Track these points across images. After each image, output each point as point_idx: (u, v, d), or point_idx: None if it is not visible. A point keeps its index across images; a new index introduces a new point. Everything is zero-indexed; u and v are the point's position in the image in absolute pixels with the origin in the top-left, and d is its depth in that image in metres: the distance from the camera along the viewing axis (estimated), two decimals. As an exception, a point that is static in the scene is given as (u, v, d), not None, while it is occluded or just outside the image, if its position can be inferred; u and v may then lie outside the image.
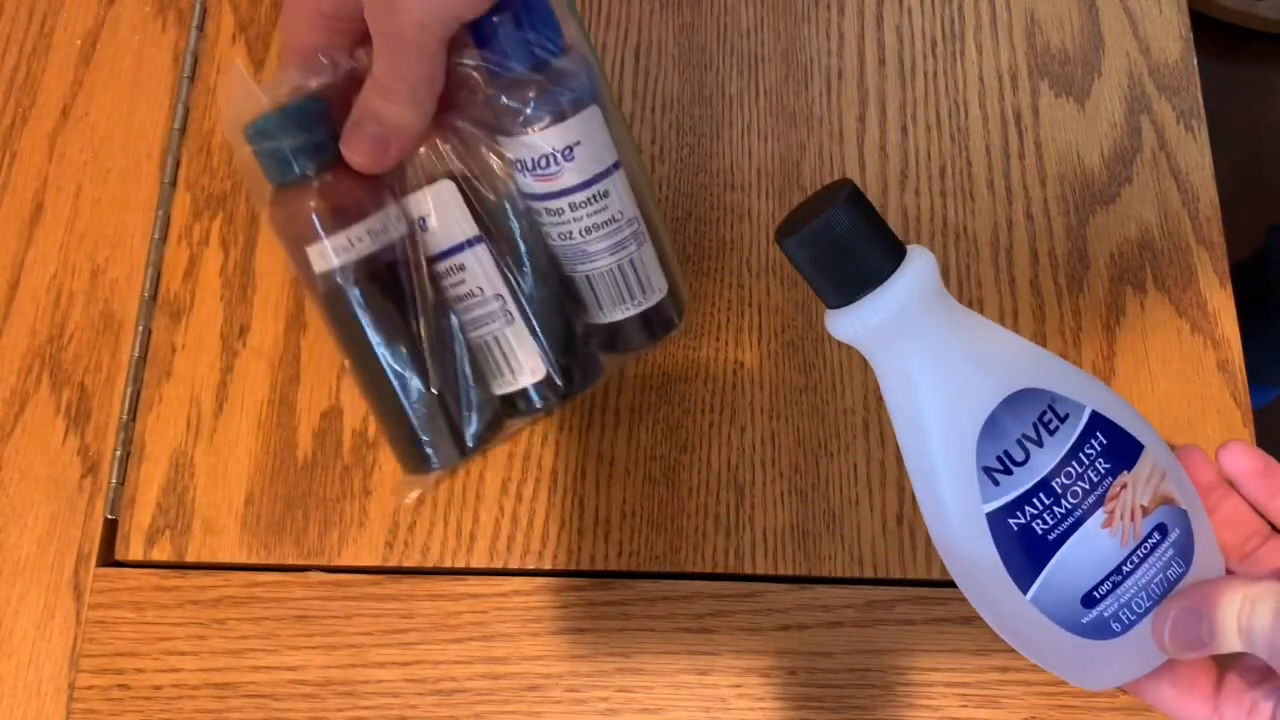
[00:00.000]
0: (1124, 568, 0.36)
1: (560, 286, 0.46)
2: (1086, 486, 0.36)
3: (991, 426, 0.36)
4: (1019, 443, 0.36)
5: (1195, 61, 0.63)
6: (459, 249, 0.44)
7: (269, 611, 0.52)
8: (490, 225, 0.44)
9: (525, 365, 0.46)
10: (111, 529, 0.53)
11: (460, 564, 0.53)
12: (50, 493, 0.54)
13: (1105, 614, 0.37)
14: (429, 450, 0.47)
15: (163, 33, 0.62)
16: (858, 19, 0.63)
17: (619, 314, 0.47)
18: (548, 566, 0.53)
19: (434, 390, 0.45)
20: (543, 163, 0.43)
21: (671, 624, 0.52)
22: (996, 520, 0.36)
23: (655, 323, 0.48)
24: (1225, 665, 0.38)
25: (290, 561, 0.53)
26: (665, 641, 0.51)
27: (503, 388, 0.47)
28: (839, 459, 0.54)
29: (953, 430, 0.36)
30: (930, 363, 0.36)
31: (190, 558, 0.53)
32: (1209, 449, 0.52)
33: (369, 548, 0.53)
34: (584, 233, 0.44)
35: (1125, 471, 0.37)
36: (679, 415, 0.55)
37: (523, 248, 0.44)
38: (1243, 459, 0.39)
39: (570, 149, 0.42)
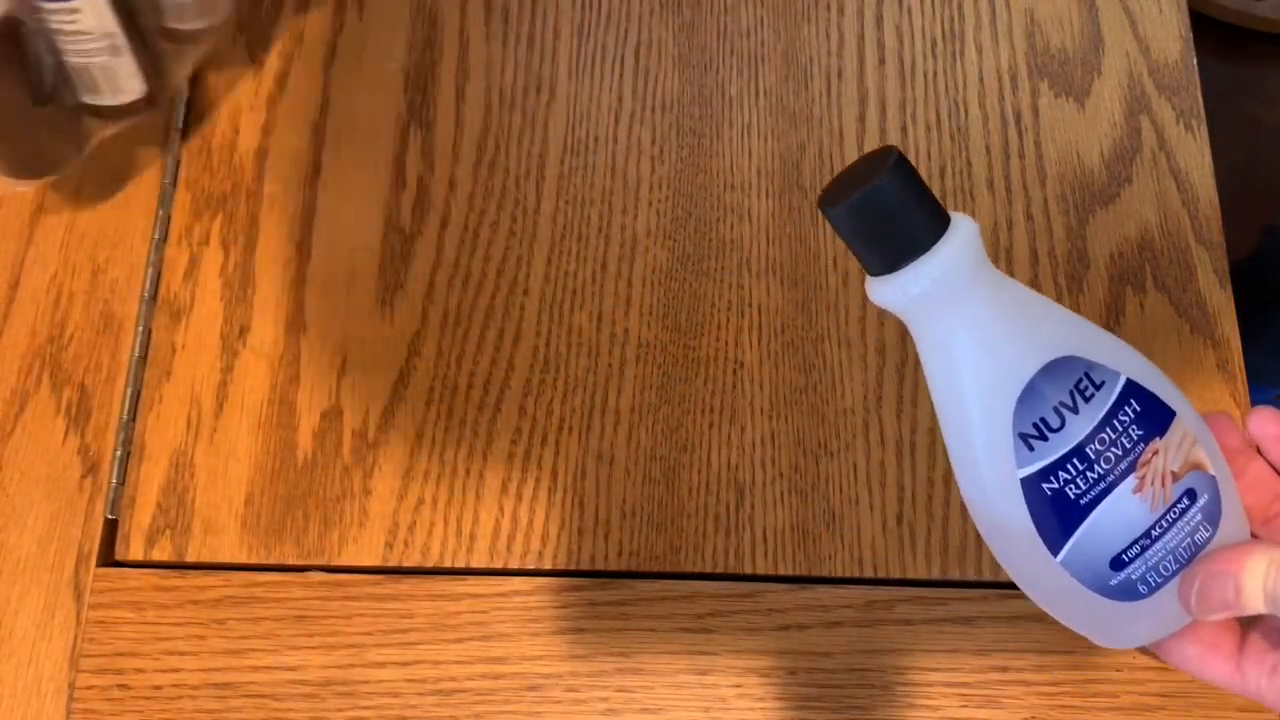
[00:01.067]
0: (1153, 532, 0.37)
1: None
2: (1119, 452, 0.37)
3: (1029, 394, 0.36)
4: (1055, 410, 0.36)
5: (1195, 61, 0.63)
6: None
7: (269, 611, 0.52)
8: None
9: (126, 86, 0.53)
10: (111, 529, 0.53)
11: (460, 564, 0.53)
12: (50, 493, 0.54)
13: (1133, 577, 0.37)
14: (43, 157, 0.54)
15: (163, 33, 0.62)
16: (858, 19, 0.63)
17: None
18: (548, 566, 0.53)
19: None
20: None
21: (671, 624, 0.52)
22: (1030, 485, 0.37)
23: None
24: (1248, 625, 0.39)
25: (290, 561, 0.53)
26: (665, 641, 0.51)
27: (104, 100, 0.53)
28: (839, 459, 0.54)
29: (991, 398, 0.37)
30: (971, 331, 0.37)
31: (190, 558, 0.53)
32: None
33: (369, 548, 0.53)
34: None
35: (1157, 438, 0.37)
36: (679, 415, 0.55)
37: None
38: (1270, 424, 0.40)
39: None
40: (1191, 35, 0.63)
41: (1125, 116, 0.62)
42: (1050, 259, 0.58)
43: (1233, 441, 0.40)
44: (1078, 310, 0.57)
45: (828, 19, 0.63)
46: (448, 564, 0.53)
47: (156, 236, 0.58)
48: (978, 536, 0.53)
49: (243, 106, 0.61)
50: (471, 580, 0.52)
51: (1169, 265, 0.58)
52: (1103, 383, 0.37)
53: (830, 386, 0.56)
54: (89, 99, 0.53)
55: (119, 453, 0.54)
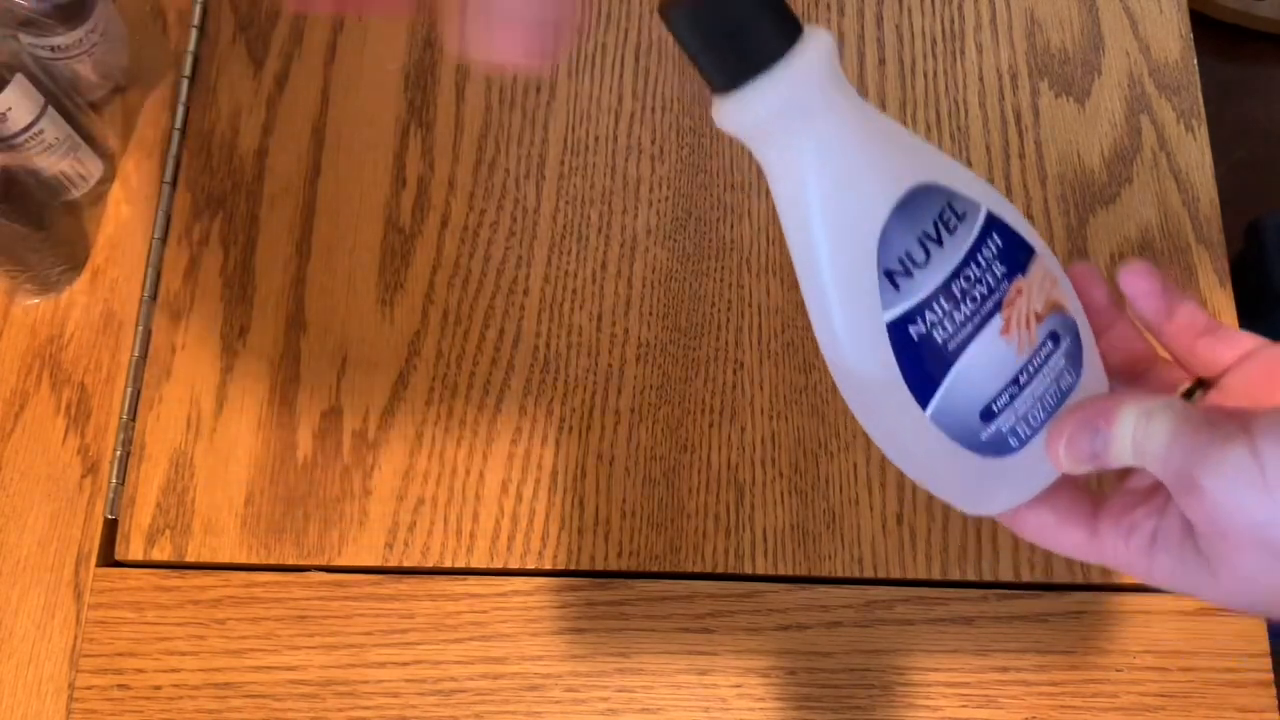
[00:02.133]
0: (1020, 378, 0.35)
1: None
2: (984, 291, 0.34)
3: (893, 225, 0.33)
4: (920, 242, 0.34)
5: (1195, 61, 0.63)
6: (38, 120, 0.54)
7: (269, 611, 0.52)
8: (48, 89, 0.54)
9: (92, 170, 0.58)
10: (111, 529, 0.53)
11: (460, 564, 0.53)
12: (50, 493, 0.53)
13: (1003, 429, 0.35)
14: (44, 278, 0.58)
15: (163, 33, 0.62)
16: (858, 19, 0.63)
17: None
18: (548, 566, 0.53)
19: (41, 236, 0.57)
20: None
21: (671, 624, 0.52)
22: (897, 330, 0.34)
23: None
24: (1107, 490, 0.38)
25: (290, 561, 0.53)
26: (665, 641, 0.51)
27: (81, 191, 0.58)
28: (839, 459, 0.54)
29: (853, 230, 0.34)
30: (827, 156, 0.33)
31: (190, 558, 0.53)
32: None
33: (369, 548, 0.53)
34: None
35: (1020, 276, 0.35)
36: (679, 415, 0.55)
37: (59, 93, 0.56)
38: (1142, 279, 0.38)
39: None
40: (1191, 35, 0.63)
41: (1125, 116, 0.62)
42: (1050, 259, 0.58)
43: (1098, 297, 0.39)
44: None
45: (828, 19, 0.63)
46: (448, 564, 0.53)
47: (156, 236, 0.58)
48: (978, 536, 0.53)
49: (243, 106, 0.61)
50: (471, 580, 0.52)
51: (1169, 265, 0.58)
52: (964, 214, 0.34)
53: (830, 386, 0.56)
54: (69, 197, 0.57)
55: (119, 453, 0.54)
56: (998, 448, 0.36)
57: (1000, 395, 0.35)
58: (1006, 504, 0.38)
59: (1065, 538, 0.38)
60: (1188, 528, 0.34)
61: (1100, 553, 0.37)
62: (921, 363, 0.34)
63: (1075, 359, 0.36)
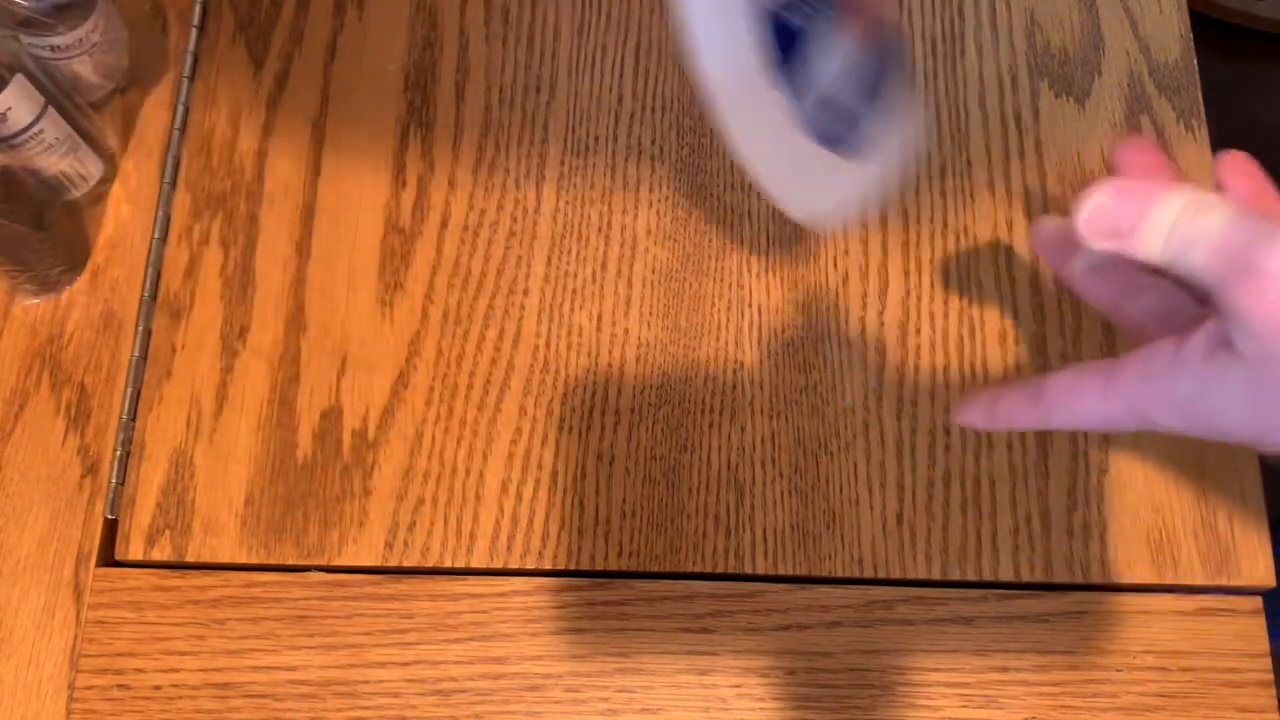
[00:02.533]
0: (855, 71, 0.36)
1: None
2: None
3: None
4: None
5: (1195, 61, 0.63)
6: (38, 120, 0.53)
7: (269, 611, 0.52)
8: (47, 89, 0.54)
9: (92, 170, 0.58)
10: (111, 529, 0.53)
11: (460, 564, 0.53)
12: (50, 493, 0.54)
13: (838, 123, 0.36)
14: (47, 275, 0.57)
15: (163, 33, 0.62)
16: (858, 19, 0.63)
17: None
18: (548, 566, 0.53)
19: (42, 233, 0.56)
20: None
21: (671, 624, 0.52)
22: None
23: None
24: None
25: (290, 562, 0.53)
26: (665, 641, 0.51)
27: (81, 191, 0.58)
28: (839, 459, 0.54)
29: None
30: None
31: (190, 558, 0.53)
32: (1210, 448, 0.52)
33: (369, 548, 0.53)
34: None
35: None
36: (679, 415, 0.55)
37: (59, 93, 0.56)
38: (1241, 178, 0.36)
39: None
40: (1191, 35, 0.63)
41: (1125, 116, 0.62)
42: (1050, 259, 0.58)
43: (1149, 159, 0.37)
44: (1077, 310, 0.57)
45: (828, 19, 0.63)
46: (448, 564, 0.53)
47: (156, 236, 0.58)
48: (978, 536, 0.53)
49: (243, 106, 0.61)
50: (471, 580, 0.52)
51: (1169, 265, 0.58)
52: None
53: (830, 387, 0.56)
54: (69, 197, 0.57)
55: (119, 453, 0.54)
56: (834, 139, 0.37)
57: (836, 80, 0.36)
58: (835, 205, 0.38)
59: (1082, 391, 0.36)
60: (1216, 341, 0.31)
61: (1115, 396, 0.35)
62: (775, 34, 0.35)
63: (899, 75, 0.37)
